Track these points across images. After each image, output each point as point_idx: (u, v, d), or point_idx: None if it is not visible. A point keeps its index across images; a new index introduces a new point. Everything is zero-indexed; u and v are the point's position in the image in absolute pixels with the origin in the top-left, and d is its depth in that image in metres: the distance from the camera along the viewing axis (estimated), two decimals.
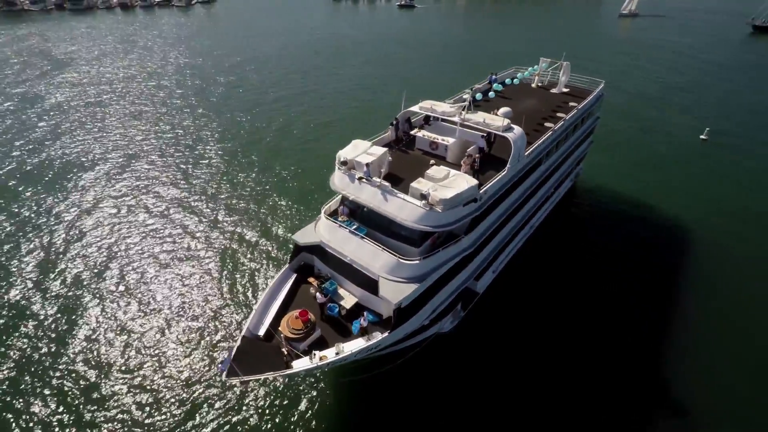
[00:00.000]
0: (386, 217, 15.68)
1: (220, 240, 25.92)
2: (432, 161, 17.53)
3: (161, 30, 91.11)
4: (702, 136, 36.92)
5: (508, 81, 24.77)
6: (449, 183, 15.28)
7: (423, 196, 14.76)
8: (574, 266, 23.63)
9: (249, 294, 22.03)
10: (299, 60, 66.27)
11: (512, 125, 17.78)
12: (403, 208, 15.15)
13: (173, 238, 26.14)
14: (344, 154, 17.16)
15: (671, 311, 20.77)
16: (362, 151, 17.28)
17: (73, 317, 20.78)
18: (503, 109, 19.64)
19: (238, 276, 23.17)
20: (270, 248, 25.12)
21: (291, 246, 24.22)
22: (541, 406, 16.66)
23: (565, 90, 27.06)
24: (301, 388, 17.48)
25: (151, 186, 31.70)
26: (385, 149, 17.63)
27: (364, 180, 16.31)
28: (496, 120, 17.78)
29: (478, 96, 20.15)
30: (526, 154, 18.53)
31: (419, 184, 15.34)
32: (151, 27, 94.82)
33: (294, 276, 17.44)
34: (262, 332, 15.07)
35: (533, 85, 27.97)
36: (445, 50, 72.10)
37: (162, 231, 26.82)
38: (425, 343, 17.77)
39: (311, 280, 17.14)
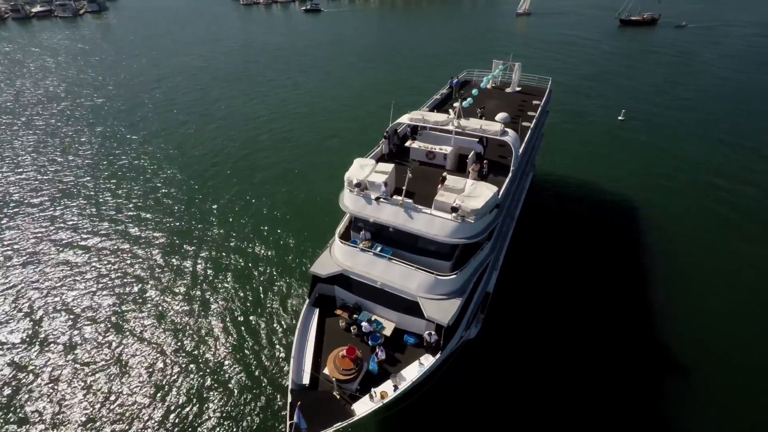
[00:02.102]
0: (412, 234, 15.34)
1: (215, 284, 23.09)
2: (445, 173, 17.43)
3: (48, 46, 78.69)
4: (620, 117, 42.15)
5: (483, 85, 25.76)
6: (472, 192, 15.36)
7: (454, 209, 14.67)
8: (548, 248, 25.28)
9: (264, 339, 19.84)
10: (227, 72, 62.66)
11: (506, 129, 18.50)
12: (433, 223, 14.91)
13: (164, 291, 22.75)
14: (354, 175, 16.36)
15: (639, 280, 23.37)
16: (370, 169, 16.66)
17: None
18: (501, 115, 20.39)
19: (245, 323, 20.70)
20: (268, 284, 22.97)
21: (287, 277, 22.88)
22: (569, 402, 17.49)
23: (518, 89, 28.92)
24: None
25: (99, 226, 27.33)
26: (393, 165, 17.21)
27: (382, 199, 15.75)
28: (493, 125, 18.34)
29: (465, 104, 20.70)
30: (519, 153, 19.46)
31: (444, 197, 15.21)
32: (32, 44, 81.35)
33: (317, 311, 16.22)
34: (306, 380, 13.76)
35: (488, 87, 29.42)
36: (377, 53, 73.36)
37: (140, 284, 23.20)
38: (456, 353, 17.75)
39: (339, 311, 16.13)
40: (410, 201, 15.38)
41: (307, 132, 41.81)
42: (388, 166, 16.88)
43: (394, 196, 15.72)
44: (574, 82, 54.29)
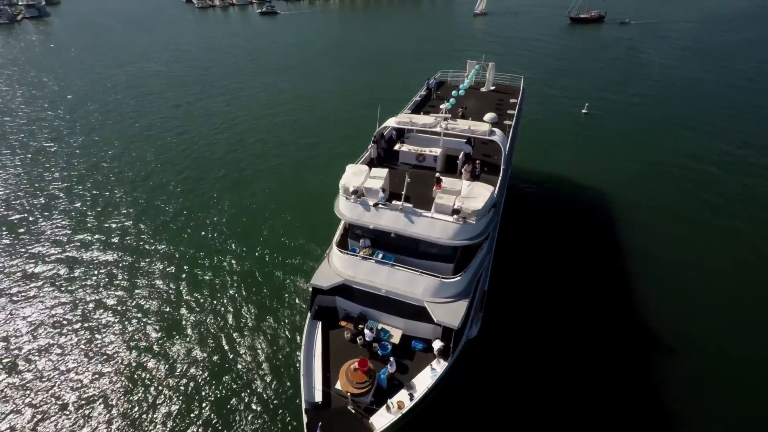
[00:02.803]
0: (413, 239, 15.22)
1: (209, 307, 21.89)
2: (438, 174, 17.41)
3: None
4: (583, 111, 44.07)
5: (465, 85, 26.02)
6: (470, 193, 15.45)
7: (455, 211, 14.68)
8: (530, 242, 25.74)
9: (267, 359, 18.82)
10: (195, 77, 61.04)
11: (494, 128, 18.77)
12: (435, 226, 14.86)
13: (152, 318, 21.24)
14: (350, 182, 16.03)
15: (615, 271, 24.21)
16: (365, 175, 16.41)
17: None
18: (489, 115, 20.64)
19: (242, 343, 19.69)
20: (264, 296, 22.06)
21: (283, 288, 22.00)
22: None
23: (492, 88, 29.48)
24: None
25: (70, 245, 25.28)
26: (387, 170, 17.02)
27: (381, 205, 15.53)
28: (481, 125, 18.56)
29: (449, 105, 20.81)
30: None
31: (443, 200, 15.20)
32: None
33: (320, 324, 15.75)
34: (318, 397, 13.30)
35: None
36: (344, 54, 73.08)
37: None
38: (461, 353, 17.79)
39: (343, 323, 15.74)
40: (410, 205, 15.25)
41: (287, 134, 41.27)
42: (383, 171, 16.69)
43: (393, 201, 15.55)
44: (534, 78, 56.15)
